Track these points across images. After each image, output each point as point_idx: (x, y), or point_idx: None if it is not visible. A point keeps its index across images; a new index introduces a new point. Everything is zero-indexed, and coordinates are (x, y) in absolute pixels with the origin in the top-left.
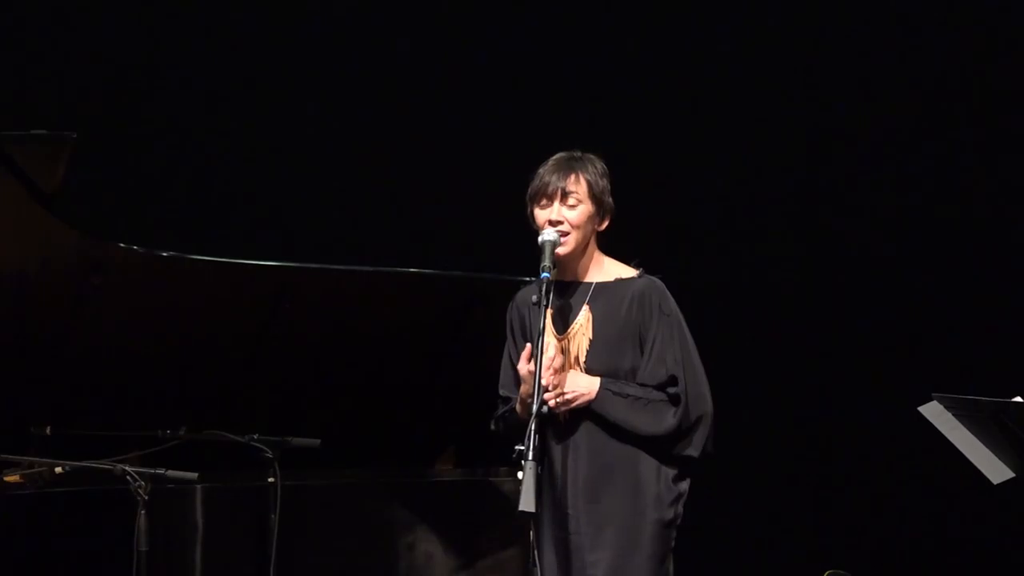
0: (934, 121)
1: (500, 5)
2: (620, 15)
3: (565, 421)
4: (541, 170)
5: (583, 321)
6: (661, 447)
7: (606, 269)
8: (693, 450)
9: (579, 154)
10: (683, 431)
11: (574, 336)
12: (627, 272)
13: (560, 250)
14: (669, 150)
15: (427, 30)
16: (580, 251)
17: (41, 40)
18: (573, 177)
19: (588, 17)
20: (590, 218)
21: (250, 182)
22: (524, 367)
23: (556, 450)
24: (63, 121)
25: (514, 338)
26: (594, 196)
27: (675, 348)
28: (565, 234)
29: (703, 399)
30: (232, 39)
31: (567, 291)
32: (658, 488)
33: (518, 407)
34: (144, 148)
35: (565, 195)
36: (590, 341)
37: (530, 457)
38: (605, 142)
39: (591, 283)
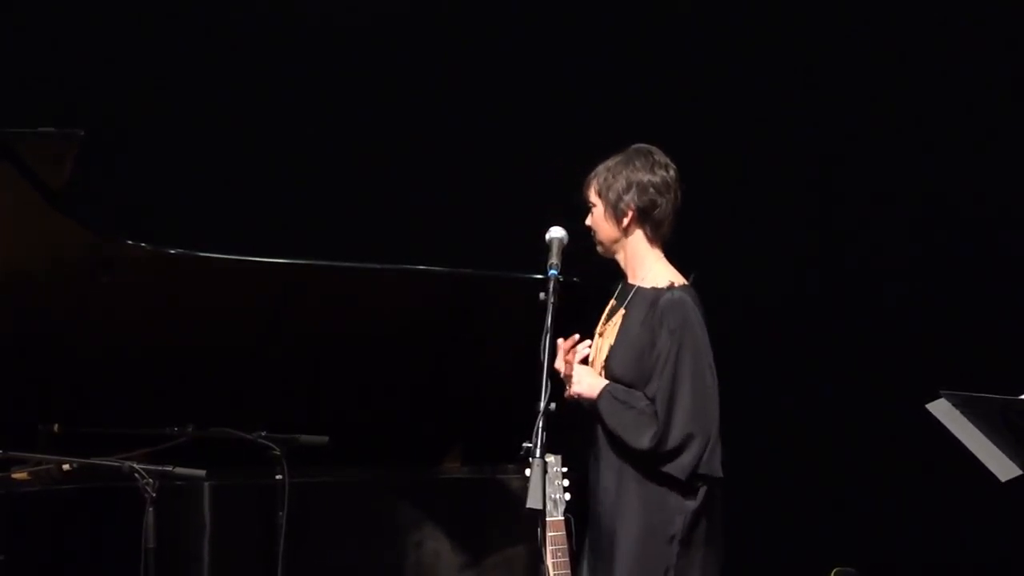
0: (936, 120)
1: (500, 5)
2: (620, 15)
3: (587, 416)
4: None
5: (612, 324)
6: (641, 461)
7: (652, 275)
8: (679, 472)
9: (622, 153)
10: (662, 452)
11: (604, 336)
12: (665, 281)
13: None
14: (669, 150)
15: (427, 30)
16: (615, 251)
17: (44, 39)
18: (587, 181)
19: (588, 17)
20: (606, 219)
21: (253, 180)
22: (559, 361)
23: (588, 452)
24: (67, 119)
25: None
26: (601, 195)
27: (670, 367)
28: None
29: (694, 422)
30: (232, 39)
31: (623, 291)
32: (647, 497)
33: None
34: (147, 146)
35: (588, 201)
36: (611, 346)
37: (537, 455)
38: (605, 142)
39: (634, 286)
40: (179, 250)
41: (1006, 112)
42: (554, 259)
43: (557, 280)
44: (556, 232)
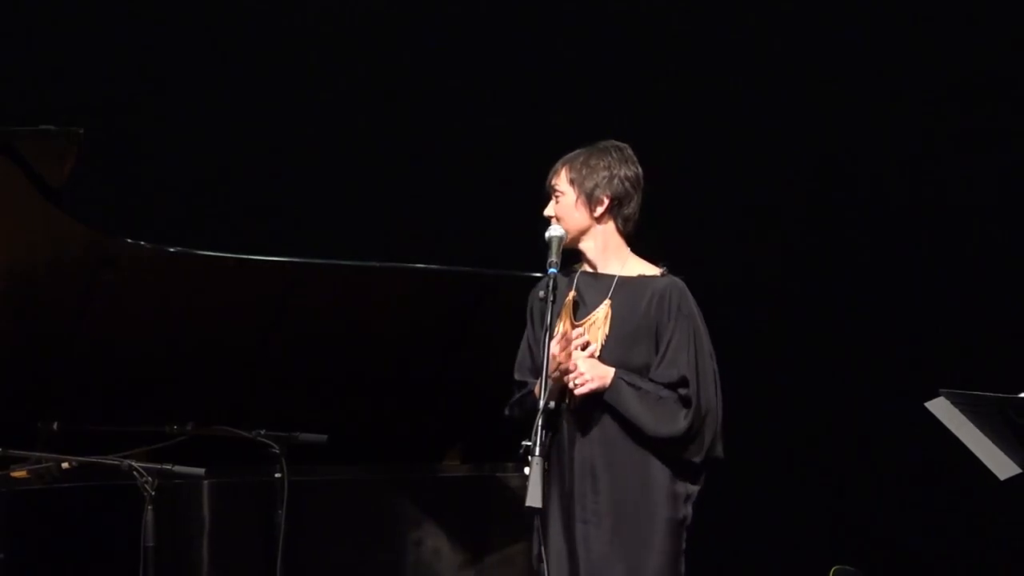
0: (936, 120)
1: (500, 5)
2: (620, 15)
3: (576, 409)
4: None
5: (601, 315)
6: (668, 448)
7: (630, 265)
8: (697, 456)
9: (592, 146)
10: (692, 435)
11: (590, 328)
12: (651, 270)
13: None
14: (669, 150)
15: (427, 30)
16: (579, 241)
17: (44, 39)
18: (555, 170)
19: (588, 17)
20: (576, 206)
21: (253, 180)
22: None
23: (567, 440)
24: (67, 119)
25: (532, 325)
26: (574, 183)
27: (690, 350)
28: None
29: (711, 404)
30: (233, 39)
31: (592, 282)
32: (669, 486)
33: (536, 390)
34: (148, 146)
35: (553, 189)
36: (605, 335)
37: (537, 453)
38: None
39: (614, 276)
40: (179, 249)
41: (1006, 112)
42: (554, 257)
43: (556, 278)
44: (556, 230)
